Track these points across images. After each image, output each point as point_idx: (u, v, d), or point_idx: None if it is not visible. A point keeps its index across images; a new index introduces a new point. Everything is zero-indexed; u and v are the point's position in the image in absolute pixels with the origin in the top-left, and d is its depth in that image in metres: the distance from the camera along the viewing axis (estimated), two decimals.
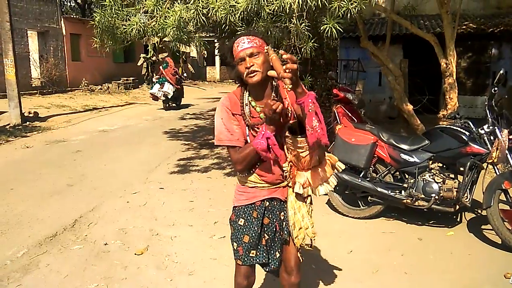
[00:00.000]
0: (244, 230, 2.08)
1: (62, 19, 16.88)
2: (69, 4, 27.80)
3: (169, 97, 13.00)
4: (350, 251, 3.59)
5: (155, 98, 12.92)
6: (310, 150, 1.89)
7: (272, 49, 1.83)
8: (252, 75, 1.86)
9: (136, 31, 3.87)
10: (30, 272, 3.27)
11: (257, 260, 2.11)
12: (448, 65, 6.19)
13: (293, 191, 2.04)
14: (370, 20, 11.39)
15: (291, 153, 1.95)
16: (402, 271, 3.22)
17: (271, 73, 1.73)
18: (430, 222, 4.11)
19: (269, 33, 3.50)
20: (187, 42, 4.15)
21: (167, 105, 13.26)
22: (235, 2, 3.35)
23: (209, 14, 3.48)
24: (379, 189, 4.03)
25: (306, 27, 3.47)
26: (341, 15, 3.40)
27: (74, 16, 17.28)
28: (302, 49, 3.79)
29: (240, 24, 3.54)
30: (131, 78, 19.63)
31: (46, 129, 9.76)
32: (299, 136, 1.88)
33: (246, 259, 2.09)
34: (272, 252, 2.13)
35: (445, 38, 6.15)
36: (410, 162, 3.98)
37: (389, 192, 4.00)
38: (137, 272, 3.29)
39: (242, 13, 3.33)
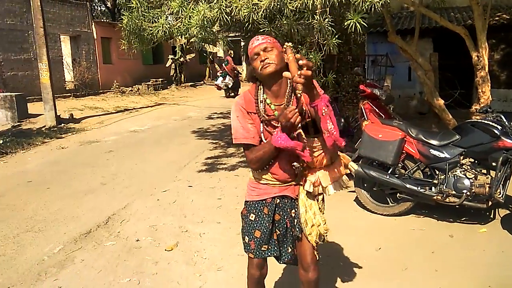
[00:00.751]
0: (255, 225, 2.12)
1: (93, 23, 17.37)
2: (99, 8, 28.59)
3: (229, 87, 16.13)
4: (378, 248, 3.55)
5: (219, 88, 16.20)
6: (323, 150, 1.92)
7: (292, 48, 1.85)
8: (266, 66, 1.89)
9: (162, 32, 3.95)
10: (66, 268, 3.41)
11: (269, 254, 2.15)
12: (480, 58, 6.00)
13: (304, 189, 2.06)
14: (398, 14, 11.17)
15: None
16: (432, 268, 3.17)
17: (286, 74, 1.77)
18: (462, 219, 4.01)
19: (292, 30, 3.50)
20: (212, 42, 4.20)
21: (228, 94, 16.30)
22: (258, 0, 3.37)
23: (232, 13, 3.52)
24: (408, 185, 3.97)
25: (330, 23, 3.45)
26: (365, 9, 3.37)
27: (105, 20, 17.74)
28: (326, 46, 3.78)
29: (263, 22, 3.56)
30: (160, 79, 19.99)
31: (80, 130, 10.09)
32: (313, 136, 1.91)
33: (258, 252, 2.13)
34: (284, 246, 2.17)
35: (476, 30, 5.97)
36: (440, 158, 3.90)
37: (419, 188, 3.93)
38: (167, 267, 3.38)
39: (265, 11, 3.35)
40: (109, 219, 4.44)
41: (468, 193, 3.69)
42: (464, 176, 3.78)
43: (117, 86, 17.73)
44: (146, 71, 20.20)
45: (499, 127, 3.66)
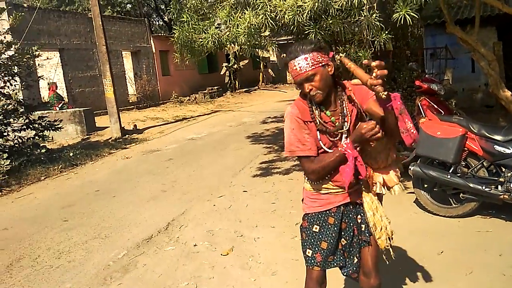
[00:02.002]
0: (321, 236, 2.04)
1: (152, 38, 18.23)
2: (157, 23, 29.93)
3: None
4: (440, 251, 3.37)
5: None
6: (384, 151, 1.87)
7: (344, 56, 1.81)
8: (315, 97, 1.86)
9: (212, 43, 4.06)
10: (129, 272, 3.60)
11: (335, 264, 2.08)
12: None
13: (372, 191, 2.00)
14: (458, 3, 10.57)
15: (366, 155, 1.91)
16: (499, 272, 2.95)
17: (355, 82, 1.72)
18: None
19: (339, 29, 3.45)
20: (260, 47, 4.25)
21: None
22: (302, 2, 3.36)
23: (277, 17, 3.53)
24: (471, 184, 3.73)
25: (378, 19, 3.35)
26: (416, 1, 3.24)
27: (162, 34, 18.55)
28: (376, 42, 3.67)
29: (308, 24, 3.54)
30: (215, 87, 20.50)
31: (142, 141, 10.60)
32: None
33: (325, 264, 2.06)
34: (350, 257, 2.09)
35: None
36: (506, 154, 3.63)
37: (484, 187, 3.68)
38: (223, 271, 3.45)
39: (309, 12, 3.32)
40: (168, 225, 4.62)
41: None
42: None
43: (175, 96, 18.43)
44: (202, 80, 20.82)
45: None
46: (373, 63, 1.58)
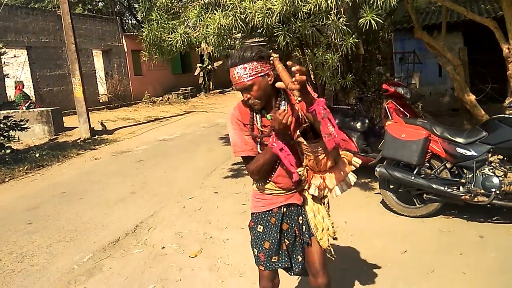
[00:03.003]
0: (264, 236, 2.09)
1: (123, 36, 17.93)
2: (130, 22, 29.46)
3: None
4: (404, 251, 3.46)
5: None
6: (325, 153, 1.89)
7: (277, 58, 1.83)
8: (253, 105, 1.90)
9: (181, 43, 4.03)
10: (94, 276, 3.52)
11: (279, 265, 2.11)
12: (511, 50, 5.75)
13: (309, 193, 2.04)
14: (426, 9, 10.88)
15: (307, 158, 1.95)
16: (460, 271, 3.05)
17: (279, 84, 1.75)
18: (493, 219, 3.85)
19: (307, 32, 3.49)
20: (230, 48, 4.25)
21: None
22: (272, 5, 3.38)
23: (247, 19, 3.54)
24: (434, 185, 3.85)
25: (345, 23, 3.41)
26: (380, 6, 3.31)
27: (134, 33, 18.28)
28: (343, 46, 3.74)
29: (277, 26, 3.56)
30: (189, 88, 20.36)
31: (112, 141, 10.41)
32: (314, 141, 1.88)
33: (268, 264, 2.10)
34: (294, 256, 2.13)
35: (505, 21, 5.73)
36: (467, 156, 3.76)
37: (446, 188, 3.80)
38: (191, 274, 3.43)
39: (278, 15, 3.35)
40: (137, 227, 4.55)
41: (498, 192, 3.54)
42: (493, 174, 3.62)
43: (148, 97, 18.20)
44: (176, 80, 20.64)
45: None
46: (294, 68, 1.61)
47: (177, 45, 4.10)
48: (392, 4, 3.24)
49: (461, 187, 3.78)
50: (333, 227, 2.10)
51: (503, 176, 3.58)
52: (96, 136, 10.92)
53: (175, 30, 4.18)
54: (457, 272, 3.04)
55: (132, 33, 18.15)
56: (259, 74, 1.85)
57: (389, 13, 3.29)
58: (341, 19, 3.36)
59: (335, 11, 3.48)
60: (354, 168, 2.04)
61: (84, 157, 8.75)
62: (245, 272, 3.34)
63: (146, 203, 5.37)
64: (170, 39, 4.16)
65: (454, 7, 6.56)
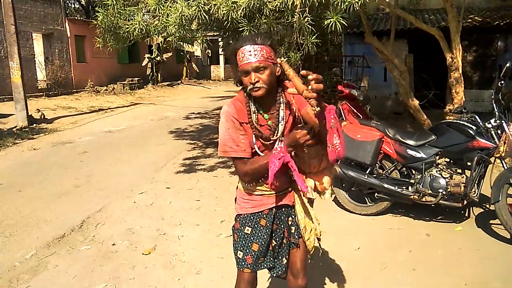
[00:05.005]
0: (252, 238, 2.02)
1: (67, 21, 16.95)
2: (73, 6, 27.90)
3: None
4: (357, 248, 3.57)
5: None
6: (320, 156, 1.88)
7: (286, 62, 1.77)
8: (256, 89, 1.80)
9: (139, 31, 3.86)
10: (39, 274, 3.29)
11: (265, 266, 2.07)
12: (454, 59, 6.14)
13: (304, 196, 2.01)
14: (374, 16, 11.31)
15: (300, 160, 1.92)
16: (410, 267, 3.20)
17: (291, 91, 1.67)
18: (438, 218, 4.08)
19: (272, 29, 3.48)
20: (190, 41, 4.14)
21: None
22: None
23: (211, 11, 3.46)
24: (385, 185, 4.01)
25: (309, 22, 3.44)
26: (344, 9, 3.38)
27: (78, 18, 17.33)
28: (304, 45, 3.77)
29: (242, 21, 3.52)
30: (136, 79, 19.68)
31: (52, 131, 9.82)
32: (311, 144, 1.82)
33: (255, 266, 2.04)
34: (279, 258, 2.10)
35: (450, 32, 6.10)
36: (417, 158, 3.95)
37: (396, 188, 3.97)
38: (145, 272, 3.30)
39: (244, 9, 3.31)
40: (83, 223, 4.32)
41: (444, 193, 3.75)
42: (440, 176, 3.84)
43: (91, 86, 17.35)
44: (122, 70, 19.86)
45: (474, 128, 3.73)
46: (310, 76, 1.55)
47: (134, 33, 3.91)
48: (355, 8, 3.31)
49: (410, 187, 3.97)
50: (319, 225, 2.09)
51: (449, 178, 3.81)
52: (34, 125, 10.24)
53: (132, 17, 4.00)
54: (408, 268, 3.19)
55: (76, 18, 17.17)
56: (272, 61, 1.80)
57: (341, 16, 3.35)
58: (307, 19, 3.38)
59: (300, 10, 3.50)
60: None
61: (22, 147, 8.16)
62: (202, 270, 3.27)
63: (93, 198, 5.12)
64: (127, 26, 3.97)
65: (404, 15, 6.90)
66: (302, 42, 3.77)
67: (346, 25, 3.43)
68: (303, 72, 1.60)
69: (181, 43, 4.49)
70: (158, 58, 20.75)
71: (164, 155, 7.15)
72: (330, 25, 3.39)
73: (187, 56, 23.86)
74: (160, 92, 19.28)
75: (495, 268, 3.12)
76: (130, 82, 19.07)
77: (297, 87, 1.64)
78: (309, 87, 1.55)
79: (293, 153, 1.84)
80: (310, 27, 3.48)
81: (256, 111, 1.90)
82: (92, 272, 3.31)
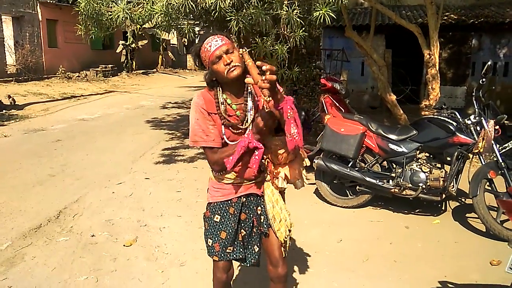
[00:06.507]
0: (221, 226, 2.06)
1: (38, 4, 16.29)
2: None
3: None
4: (340, 240, 3.62)
5: None
6: (286, 149, 1.91)
7: (247, 52, 1.82)
8: (233, 69, 1.83)
9: (123, 18, 3.75)
10: (16, 265, 3.18)
11: (234, 256, 2.09)
12: (431, 56, 6.25)
13: (274, 185, 2.04)
14: (353, 10, 11.40)
15: (268, 150, 1.95)
16: (392, 259, 3.27)
17: (248, 80, 1.73)
18: (416, 211, 4.19)
19: (260, 20, 3.44)
20: (176, 30, 4.04)
21: None
22: None
23: (198, 0, 3.39)
24: (367, 178, 4.07)
25: (299, 15, 3.42)
26: (332, 1, 3.38)
27: (51, 1, 16.66)
28: (292, 38, 3.76)
29: (230, 11, 3.46)
30: (110, 66, 19.18)
31: (23, 118, 9.48)
32: (277, 135, 1.90)
33: (222, 255, 2.07)
34: (249, 247, 2.12)
35: (428, 28, 6.21)
36: (398, 152, 4.03)
37: (377, 181, 4.04)
38: (127, 263, 3.25)
39: None
40: (60, 213, 4.20)
41: (424, 186, 3.85)
42: (420, 170, 3.92)
43: (63, 72, 16.80)
44: (95, 56, 19.31)
45: (454, 123, 3.83)
46: (264, 67, 1.61)
47: (117, 20, 3.79)
48: (343, 1, 3.32)
49: (391, 181, 4.05)
50: (289, 217, 2.10)
51: (429, 172, 3.90)
52: (4, 111, 9.86)
53: (116, 4, 3.87)
54: (389, 260, 3.26)
55: (48, 1, 16.51)
56: (236, 48, 1.87)
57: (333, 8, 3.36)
58: (295, 11, 3.36)
59: (288, 2, 3.48)
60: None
61: None
62: (186, 261, 3.24)
63: (69, 188, 4.98)
64: (110, 13, 3.84)
65: (384, 10, 6.96)
66: (289, 35, 3.76)
67: (334, 17, 3.42)
68: (258, 62, 1.68)
69: (164, 32, 4.37)
70: (133, 45, 20.30)
71: (141, 145, 7.03)
72: (317, 18, 3.38)
73: (163, 44, 23.43)
74: (135, 80, 18.89)
75: (473, 260, 3.23)
76: (104, 69, 18.58)
77: (253, 77, 1.71)
78: (263, 77, 1.61)
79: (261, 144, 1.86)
80: (298, 20, 3.45)
81: (224, 102, 1.94)
82: (72, 264, 3.23)
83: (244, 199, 2.07)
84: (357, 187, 4.20)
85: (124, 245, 3.54)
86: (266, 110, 1.80)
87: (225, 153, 1.90)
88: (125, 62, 20.32)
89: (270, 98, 1.65)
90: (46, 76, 16.38)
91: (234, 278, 2.26)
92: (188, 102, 12.73)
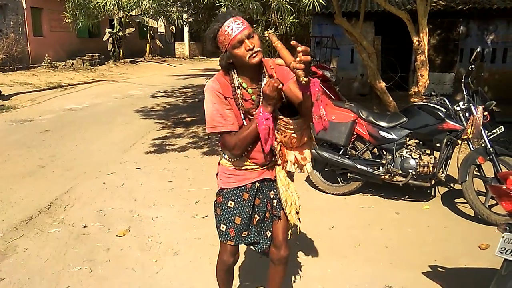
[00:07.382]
0: (235, 212, 2.07)
1: None
2: None
3: None
4: (332, 226, 3.66)
5: None
6: (298, 132, 1.91)
7: (273, 34, 1.79)
8: (255, 55, 1.79)
9: (111, 5, 3.68)
10: (8, 257, 3.17)
11: (249, 240, 2.11)
12: (420, 43, 6.27)
13: (283, 169, 2.05)
14: None
15: (282, 134, 1.95)
16: (383, 244, 3.32)
17: (279, 62, 1.70)
18: (406, 197, 4.24)
19: (251, 7, 3.40)
20: (164, 16, 3.99)
21: None
22: None
23: None
24: (358, 165, 4.11)
25: (289, 1, 3.40)
26: None
27: None
28: (282, 25, 3.74)
29: None
30: (97, 54, 18.87)
31: (10, 108, 9.34)
32: (292, 118, 1.89)
33: (238, 239, 2.09)
34: (262, 232, 2.14)
35: (417, 15, 6.22)
36: (388, 139, 4.07)
37: (368, 168, 4.08)
38: (120, 253, 3.25)
39: None
40: (51, 204, 4.18)
41: (414, 173, 3.90)
42: (410, 157, 3.97)
43: (49, 61, 16.49)
44: (81, 45, 18.98)
45: (444, 110, 3.87)
46: (299, 48, 1.58)
47: (106, 8, 3.73)
48: None
49: (381, 168, 4.09)
50: (299, 200, 2.13)
51: (418, 159, 3.95)
52: None
53: None
54: (381, 245, 3.31)
55: None
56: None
57: None
58: None
59: None
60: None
61: None
62: (179, 251, 3.26)
63: (59, 178, 4.94)
64: (97, 0, 3.77)
65: None
66: (279, 22, 3.73)
67: (324, 4, 3.41)
68: (292, 42, 1.64)
69: (152, 19, 4.31)
70: (120, 33, 19.96)
71: (131, 135, 6.98)
72: (307, 4, 3.37)
73: (151, 32, 23.11)
74: (122, 69, 18.65)
75: (462, 244, 3.29)
76: (91, 58, 18.28)
77: (285, 58, 1.67)
78: (297, 58, 1.58)
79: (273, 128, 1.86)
80: (288, 6, 3.43)
81: (240, 86, 1.92)
82: (65, 255, 3.22)
83: (258, 184, 2.08)
84: (348, 174, 4.24)
85: (117, 235, 3.54)
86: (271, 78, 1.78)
87: (244, 133, 1.89)
88: (112, 50, 20.00)
89: (307, 78, 1.61)
90: (31, 65, 16.08)
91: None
92: (177, 91, 12.64)
